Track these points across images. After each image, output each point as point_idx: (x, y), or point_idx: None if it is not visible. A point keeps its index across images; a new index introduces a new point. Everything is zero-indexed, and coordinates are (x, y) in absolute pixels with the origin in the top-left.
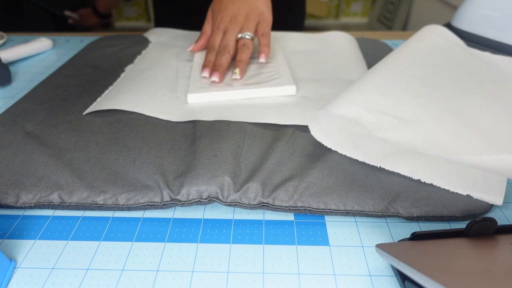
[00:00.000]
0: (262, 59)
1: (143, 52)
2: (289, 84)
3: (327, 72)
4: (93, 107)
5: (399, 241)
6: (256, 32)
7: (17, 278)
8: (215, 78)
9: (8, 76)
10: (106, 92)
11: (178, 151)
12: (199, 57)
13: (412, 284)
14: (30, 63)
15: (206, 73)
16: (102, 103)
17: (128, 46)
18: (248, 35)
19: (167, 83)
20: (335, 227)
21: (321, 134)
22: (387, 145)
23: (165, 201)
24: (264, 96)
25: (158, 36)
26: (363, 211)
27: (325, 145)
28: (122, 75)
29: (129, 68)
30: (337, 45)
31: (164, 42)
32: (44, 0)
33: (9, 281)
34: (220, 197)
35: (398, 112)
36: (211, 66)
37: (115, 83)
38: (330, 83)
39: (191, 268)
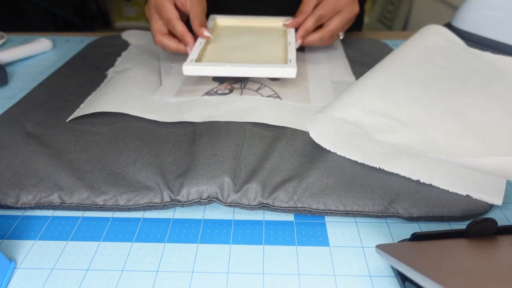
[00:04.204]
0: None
1: (123, 54)
2: (290, 67)
3: (322, 73)
4: (77, 113)
5: (399, 241)
6: None
7: (17, 278)
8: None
9: (4, 76)
10: (89, 97)
11: (178, 151)
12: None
13: (412, 285)
14: (29, 63)
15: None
16: (86, 108)
17: (128, 46)
18: None
19: (150, 83)
20: (335, 227)
21: (320, 136)
22: (386, 146)
23: (165, 202)
24: (262, 76)
25: (138, 39)
26: (362, 211)
27: (324, 147)
28: (105, 80)
29: (111, 71)
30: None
31: (145, 44)
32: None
33: (9, 281)
34: (220, 198)
35: (398, 114)
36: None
37: (98, 88)
38: (326, 83)
39: (191, 269)
